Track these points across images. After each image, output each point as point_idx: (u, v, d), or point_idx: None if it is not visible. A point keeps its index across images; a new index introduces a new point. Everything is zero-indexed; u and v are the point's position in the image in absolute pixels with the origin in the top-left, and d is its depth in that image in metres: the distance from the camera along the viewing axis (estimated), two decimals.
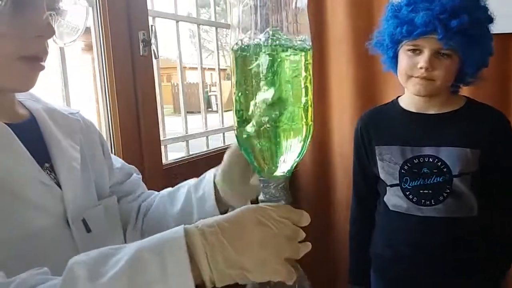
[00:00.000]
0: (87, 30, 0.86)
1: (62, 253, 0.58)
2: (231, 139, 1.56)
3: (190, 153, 1.43)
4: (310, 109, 0.52)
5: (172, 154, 1.40)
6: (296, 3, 0.51)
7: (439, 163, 1.06)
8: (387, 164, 1.12)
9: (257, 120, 0.49)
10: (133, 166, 0.84)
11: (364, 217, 1.24)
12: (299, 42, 0.51)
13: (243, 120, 0.51)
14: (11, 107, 0.62)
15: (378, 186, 1.19)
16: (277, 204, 0.51)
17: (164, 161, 1.26)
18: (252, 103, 0.49)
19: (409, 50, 1.06)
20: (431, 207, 1.07)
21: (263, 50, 0.48)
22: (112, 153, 1.08)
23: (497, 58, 1.14)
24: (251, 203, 0.61)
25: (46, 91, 0.72)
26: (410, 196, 1.09)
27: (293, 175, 0.56)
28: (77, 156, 0.66)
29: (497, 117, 1.09)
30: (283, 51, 0.48)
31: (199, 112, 1.58)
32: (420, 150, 1.08)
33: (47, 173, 0.61)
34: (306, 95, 0.51)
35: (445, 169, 1.06)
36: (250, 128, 0.50)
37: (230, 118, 0.55)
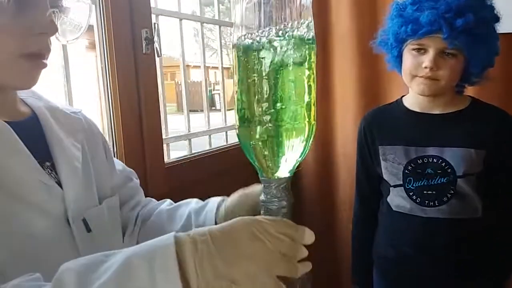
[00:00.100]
0: (91, 27, 0.85)
1: (62, 253, 0.58)
2: (234, 137, 1.56)
3: (193, 151, 1.42)
4: (313, 108, 0.51)
5: (175, 152, 1.40)
6: (300, 0, 0.50)
7: (443, 164, 1.05)
8: (391, 164, 1.11)
9: (259, 119, 0.49)
10: (132, 170, 0.84)
11: (367, 217, 1.23)
12: (303, 41, 0.50)
13: (244, 119, 0.50)
14: (13, 104, 0.62)
15: (381, 187, 1.19)
16: (275, 218, 0.49)
17: (166, 159, 1.26)
18: (254, 101, 0.49)
19: (413, 49, 1.05)
20: (435, 208, 1.07)
21: (265, 48, 0.48)
22: (114, 151, 1.08)
23: (503, 57, 1.12)
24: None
25: (49, 89, 0.72)
26: (414, 197, 1.09)
27: (296, 174, 0.55)
28: (78, 155, 0.66)
29: (502, 117, 1.08)
30: (286, 49, 0.48)
31: (203, 110, 1.57)
32: (424, 151, 1.07)
33: (48, 172, 0.60)
34: (310, 93, 0.51)
35: (449, 170, 1.05)
36: (251, 127, 0.49)
37: (233, 117, 0.54)
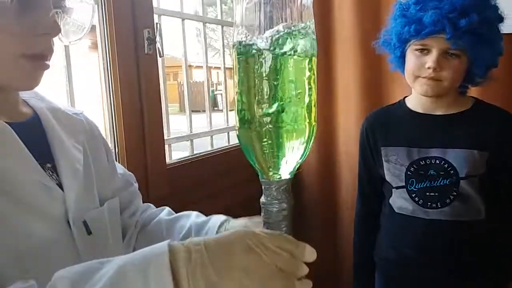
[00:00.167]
0: (93, 27, 0.85)
1: (62, 255, 0.58)
2: (235, 138, 1.56)
3: (195, 152, 1.42)
4: (313, 109, 0.51)
5: (177, 153, 1.40)
6: (301, 0, 0.50)
7: (446, 165, 1.05)
8: (393, 166, 1.11)
9: (259, 120, 0.48)
10: (131, 173, 0.84)
11: (369, 218, 1.23)
12: (303, 41, 0.49)
13: (245, 120, 0.50)
14: (14, 105, 0.62)
15: (384, 188, 1.18)
16: (273, 232, 0.48)
17: (168, 160, 1.25)
18: (254, 103, 0.48)
19: (416, 49, 1.04)
20: (437, 209, 1.06)
21: (266, 49, 0.47)
22: (115, 152, 1.08)
23: (507, 58, 1.12)
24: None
25: (52, 90, 0.72)
26: (416, 199, 1.08)
27: (298, 175, 0.54)
28: (80, 157, 0.66)
29: (505, 118, 1.07)
30: (286, 50, 0.47)
31: (205, 111, 1.57)
32: (427, 152, 1.07)
33: (49, 173, 0.60)
34: (310, 94, 0.50)
35: (452, 171, 1.04)
36: (252, 128, 0.49)
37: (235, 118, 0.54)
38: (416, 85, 1.07)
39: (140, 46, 1.10)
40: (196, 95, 10.13)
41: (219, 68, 1.66)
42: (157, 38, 1.15)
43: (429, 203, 1.07)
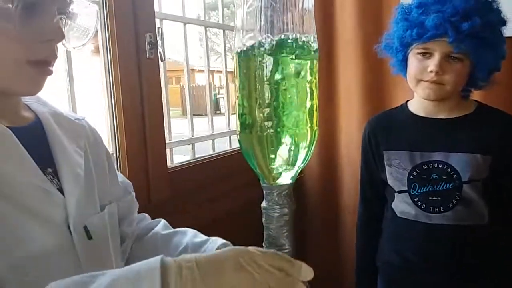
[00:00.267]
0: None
1: (63, 260, 0.57)
2: (237, 142, 1.55)
3: (196, 156, 1.42)
4: (315, 113, 0.50)
5: (179, 157, 1.39)
6: (302, 4, 0.49)
7: (449, 169, 1.04)
8: (396, 170, 1.10)
9: (260, 124, 0.48)
10: (130, 182, 0.84)
11: (371, 222, 1.22)
12: (305, 45, 0.49)
13: (246, 125, 0.49)
14: (16, 109, 0.62)
15: (386, 192, 1.17)
16: (268, 251, 0.47)
17: (169, 164, 1.25)
18: (255, 107, 0.48)
19: (419, 53, 1.04)
20: (440, 214, 1.05)
21: (267, 53, 0.47)
22: (116, 155, 1.08)
23: (510, 61, 1.11)
24: None
25: (53, 95, 0.72)
26: (419, 203, 1.07)
27: (300, 179, 0.54)
28: (81, 162, 0.65)
29: (508, 122, 1.07)
30: (288, 54, 0.47)
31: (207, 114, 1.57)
32: (429, 156, 1.06)
33: (50, 178, 0.60)
34: (312, 99, 0.50)
35: (454, 176, 1.04)
36: (253, 133, 0.48)
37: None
38: (418, 89, 1.06)
39: (141, 50, 1.10)
40: (198, 99, 10.15)
41: (221, 72, 1.66)
42: (159, 43, 1.15)
43: (431, 208, 1.06)
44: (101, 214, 0.67)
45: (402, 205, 1.11)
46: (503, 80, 1.13)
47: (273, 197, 0.51)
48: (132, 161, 1.09)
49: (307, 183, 1.78)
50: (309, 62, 0.50)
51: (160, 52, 1.16)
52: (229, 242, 0.70)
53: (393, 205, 1.14)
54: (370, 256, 1.22)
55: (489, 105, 1.11)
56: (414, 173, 1.07)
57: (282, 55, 0.48)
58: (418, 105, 1.13)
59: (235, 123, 0.55)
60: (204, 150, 1.52)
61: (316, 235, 1.79)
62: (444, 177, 1.04)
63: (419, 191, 1.07)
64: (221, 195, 1.41)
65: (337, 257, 1.76)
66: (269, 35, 0.48)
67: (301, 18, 0.49)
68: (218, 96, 11.36)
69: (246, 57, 0.49)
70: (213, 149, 1.54)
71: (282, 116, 0.48)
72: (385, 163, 1.13)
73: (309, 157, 0.52)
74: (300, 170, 0.52)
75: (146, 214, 0.85)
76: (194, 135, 1.43)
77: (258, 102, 0.48)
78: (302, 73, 0.49)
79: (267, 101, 0.48)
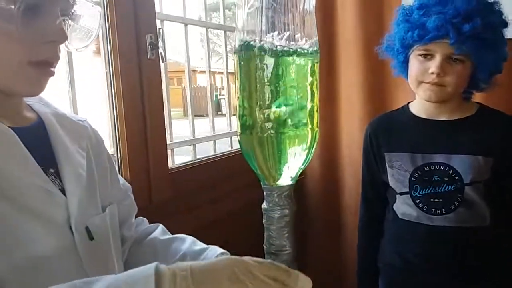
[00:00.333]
0: None
1: (64, 261, 0.57)
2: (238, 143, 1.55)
3: (197, 157, 1.42)
4: (315, 114, 0.50)
5: (181, 157, 1.39)
6: (303, 5, 0.49)
7: (450, 171, 1.04)
8: (397, 172, 1.10)
9: (261, 126, 0.48)
10: (129, 185, 0.83)
11: (373, 224, 1.22)
12: (305, 46, 0.49)
13: (246, 126, 0.49)
14: (18, 110, 0.62)
15: (388, 194, 1.17)
16: (264, 261, 0.46)
17: (170, 165, 1.25)
18: (255, 108, 0.48)
19: (420, 55, 1.03)
20: (442, 216, 1.05)
21: (267, 54, 0.47)
22: (117, 156, 1.08)
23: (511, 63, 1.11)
24: None
25: (54, 96, 0.72)
26: (420, 205, 1.07)
27: (301, 179, 0.54)
28: (83, 162, 0.65)
29: (510, 123, 1.06)
30: (288, 55, 0.47)
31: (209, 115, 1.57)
32: (431, 158, 1.06)
33: (52, 179, 0.60)
34: (312, 100, 0.50)
35: (456, 177, 1.03)
36: (253, 134, 0.48)
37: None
38: (419, 90, 1.06)
39: (142, 51, 1.10)
40: (200, 100, 10.15)
41: (222, 73, 1.66)
42: (160, 43, 1.15)
43: (433, 209, 1.06)
44: (103, 215, 0.67)
45: (403, 207, 1.11)
46: (504, 82, 1.12)
47: (273, 198, 0.51)
48: (133, 162, 1.09)
49: (308, 184, 1.78)
50: (309, 64, 0.50)
51: (161, 53, 1.16)
52: (227, 252, 0.69)
53: (394, 207, 1.13)
54: (371, 257, 1.21)
55: (490, 107, 1.11)
56: (416, 175, 1.07)
57: (283, 56, 0.48)
58: (420, 107, 1.13)
59: (236, 124, 0.56)
60: (205, 151, 1.52)
61: (317, 236, 1.79)
62: (445, 179, 1.04)
63: (420, 193, 1.07)
64: (222, 196, 1.40)
65: (338, 258, 1.76)
66: (270, 36, 0.48)
67: (302, 19, 0.49)
68: (219, 97, 11.36)
69: (246, 58, 0.49)
70: (214, 150, 1.54)
71: (282, 118, 0.48)
72: (387, 165, 1.12)
73: (310, 158, 0.52)
74: (300, 171, 0.52)
75: (144, 218, 0.85)
76: (195, 136, 1.43)
77: (258, 103, 0.48)
78: (303, 74, 0.49)
79: (267, 102, 0.48)
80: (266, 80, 0.48)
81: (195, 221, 1.28)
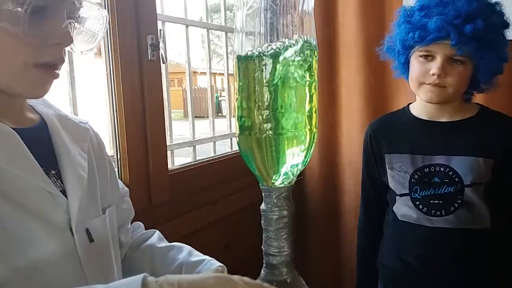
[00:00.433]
0: None
1: (64, 263, 0.57)
2: None
3: (197, 158, 1.42)
4: (314, 115, 0.50)
5: (180, 159, 1.39)
6: (302, 6, 0.49)
7: (451, 173, 1.03)
8: (397, 173, 1.10)
9: (259, 127, 0.48)
10: (127, 189, 0.84)
11: (373, 227, 1.22)
12: (304, 47, 0.49)
13: (245, 127, 0.49)
14: (21, 111, 0.62)
15: (387, 195, 1.17)
16: (253, 282, 0.46)
17: (170, 166, 1.25)
18: (254, 109, 0.48)
19: (421, 56, 1.03)
20: (442, 217, 1.04)
21: (266, 56, 0.47)
22: (117, 158, 1.08)
23: None
24: None
25: (56, 98, 0.72)
26: (420, 206, 1.07)
27: (301, 181, 0.54)
28: (85, 164, 0.66)
29: (510, 125, 1.06)
30: (287, 56, 0.47)
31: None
32: (431, 159, 1.06)
33: (53, 180, 0.60)
34: (311, 101, 0.50)
35: (456, 179, 1.03)
36: (252, 135, 0.48)
37: None
38: (420, 91, 1.06)
39: (143, 52, 1.10)
40: (200, 101, 10.16)
41: (223, 74, 1.66)
42: (161, 45, 1.15)
43: (433, 211, 1.05)
44: (103, 217, 0.67)
45: (403, 208, 1.10)
46: (505, 83, 1.12)
47: (272, 199, 0.51)
48: (133, 163, 1.09)
49: (308, 185, 1.78)
50: (308, 65, 0.49)
51: (162, 54, 1.16)
52: (224, 266, 0.69)
53: (394, 208, 1.13)
54: (370, 259, 1.21)
55: (491, 108, 1.11)
56: (416, 176, 1.07)
57: (281, 58, 0.47)
58: (420, 108, 1.12)
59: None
60: (206, 152, 1.52)
61: (316, 238, 1.79)
62: (445, 180, 1.04)
63: (420, 194, 1.06)
64: (221, 198, 1.40)
65: (337, 260, 1.75)
66: (268, 37, 0.48)
67: (301, 20, 0.49)
68: (220, 99, 11.37)
69: (245, 59, 0.49)
70: (214, 151, 1.54)
71: (281, 119, 0.48)
72: (387, 166, 1.12)
73: (308, 159, 0.52)
74: (299, 172, 0.52)
75: (141, 223, 0.85)
76: (195, 138, 1.43)
77: (257, 104, 0.48)
78: (302, 75, 0.49)
79: (266, 103, 0.48)
80: (264, 81, 0.48)
81: (194, 223, 1.28)
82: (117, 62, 1.05)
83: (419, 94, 1.08)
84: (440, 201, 1.04)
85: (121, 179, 1.07)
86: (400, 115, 1.17)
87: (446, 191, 1.04)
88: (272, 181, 0.50)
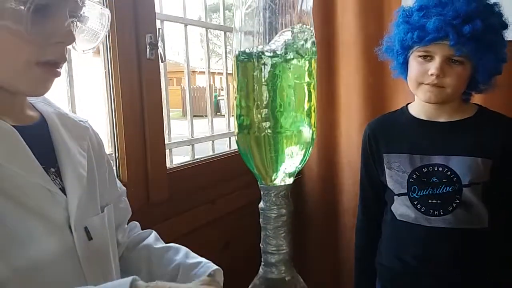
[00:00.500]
0: None
1: (63, 261, 0.57)
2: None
3: (196, 157, 1.42)
4: (313, 114, 0.50)
5: (179, 158, 1.39)
6: (301, 5, 0.49)
7: (449, 173, 1.04)
8: (396, 173, 1.10)
9: (258, 125, 0.48)
10: (124, 188, 0.84)
11: (371, 226, 1.22)
12: (303, 46, 0.49)
13: (243, 126, 0.49)
14: (21, 108, 0.62)
15: (386, 195, 1.17)
16: None
17: (168, 165, 1.25)
18: (253, 108, 0.48)
19: (419, 56, 1.03)
20: (440, 217, 1.05)
21: (265, 55, 0.47)
22: (116, 156, 1.08)
23: (511, 65, 1.11)
24: None
25: (54, 97, 0.72)
26: (418, 206, 1.07)
27: (300, 180, 0.54)
28: (84, 163, 0.66)
29: (509, 125, 1.06)
30: (285, 56, 0.47)
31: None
32: (429, 159, 1.06)
33: (53, 178, 0.60)
34: (310, 100, 0.50)
35: (454, 179, 1.03)
36: (250, 134, 0.48)
37: None
38: (419, 92, 1.06)
39: (142, 51, 1.10)
40: (199, 100, 10.16)
41: (222, 73, 1.66)
42: (159, 44, 1.15)
43: (431, 211, 1.05)
44: (101, 215, 0.67)
45: (401, 208, 1.11)
46: (504, 84, 1.12)
47: (270, 197, 0.51)
48: (132, 162, 1.09)
49: (307, 184, 1.78)
50: (307, 64, 0.50)
51: (160, 53, 1.16)
52: (220, 269, 0.69)
53: (392, 208, 1.13)
54: (369, 258, 1.21)
55: (490, 108, 1.11)
56: (414, 176, 1.07)
57: (280, 57, 0.48)
58: (419, 108, 1.13)
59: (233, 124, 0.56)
60: (204, 151, 1.52)
61: (315, 237, 1.79)
62: (444, 180, 1.04)
63: (418, 194, 1.07)
64: (220, 196, 1.41)
65: (336, 259, 1.76)
66: (267, 37, 0.48)
67: (300, 19, 0.49)
68: (218, 98, 11.37)
69: (244, 58, 0.49)
70: (213, 150, 1.54)
71: (280, 117, 0.48)
72: (385, 166, 1.12)
73: (307, 158, 0.52)
74: (298, 171, 0.52)
75: (137, 223, 0.86)
76: (193, 136, 1.43)
77: (256, 103, 0.48)
78: (300, 74, 0.49)
79: (265, 102, 0.48)
80: (263, 80, 0.48)
81: (193, 221, 1.28)
82: (116, 60, 1.05)
83: (418, 94, 1.08)
84: (438, 201, 1.05)
85: (120, 178, 1.07)
86: (399, 115, 1.17)
87: (444, 191, 1.04)
88: (273, 178, 0.51)
